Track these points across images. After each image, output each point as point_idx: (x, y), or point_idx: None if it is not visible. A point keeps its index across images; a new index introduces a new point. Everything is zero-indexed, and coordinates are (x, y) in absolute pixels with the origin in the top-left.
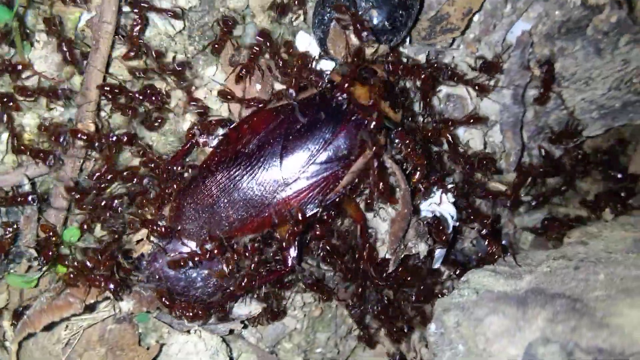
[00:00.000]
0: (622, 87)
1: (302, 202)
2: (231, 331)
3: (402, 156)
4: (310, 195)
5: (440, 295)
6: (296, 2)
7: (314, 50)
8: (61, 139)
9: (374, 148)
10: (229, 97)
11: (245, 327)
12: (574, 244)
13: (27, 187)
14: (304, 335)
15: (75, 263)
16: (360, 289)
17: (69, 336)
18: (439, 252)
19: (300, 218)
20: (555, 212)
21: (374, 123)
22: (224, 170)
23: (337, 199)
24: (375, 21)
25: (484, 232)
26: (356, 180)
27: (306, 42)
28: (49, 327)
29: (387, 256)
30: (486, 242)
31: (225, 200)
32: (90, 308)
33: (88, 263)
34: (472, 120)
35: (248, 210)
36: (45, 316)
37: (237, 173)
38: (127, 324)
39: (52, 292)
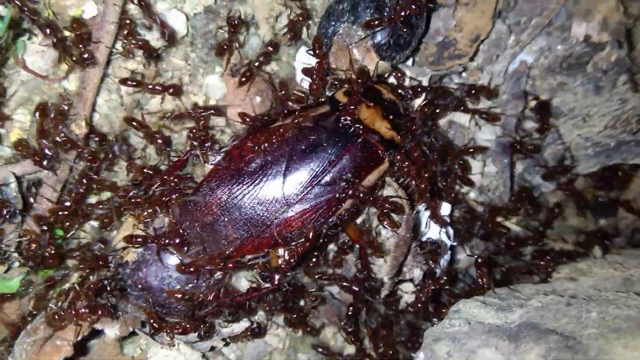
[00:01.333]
0: (618, 126)
1: (303, 224)
2: (212, 348)
3: (404, 178)
4: (312, 217)
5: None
6: (302, 19)
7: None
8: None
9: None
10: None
11: (226, 344)
12: (563, 279)
13: (12, 185)
14: (285, 355)
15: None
16: (353, 308)
17: None
18: None
19: (310, 237)
20: (546, 246)
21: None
22: (226, 188)
23: (337, 222)
24: (378, 37)
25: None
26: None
27: (308, 57)
28: None
29: (385, 280)
30: (478, 273)
31: (226, 219)
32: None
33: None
34: (472, 150)
35: (249, 230)
36: None
37: (239, 192)
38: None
39: (35, 336)
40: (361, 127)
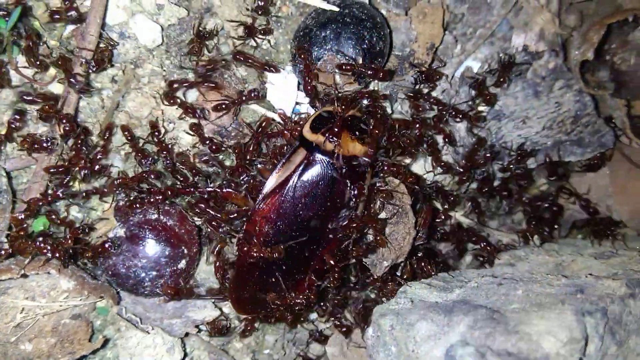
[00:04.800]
0: (555, 127)
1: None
2: (187, 334)
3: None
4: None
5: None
6: (262, 31)
7: (291, 84)
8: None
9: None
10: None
11: (199, 331)
12: (503, 265)
13: (3, 180)
14: (254, 337)
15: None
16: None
17: (23, 320)
18: None
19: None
20: (490, 237)
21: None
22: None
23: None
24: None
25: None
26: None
27: (281, 78)
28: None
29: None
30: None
31: (273, 280)
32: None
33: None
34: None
35: (295, 275)
36: None
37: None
38: (82, 321)
39: None
40: (342, 165)
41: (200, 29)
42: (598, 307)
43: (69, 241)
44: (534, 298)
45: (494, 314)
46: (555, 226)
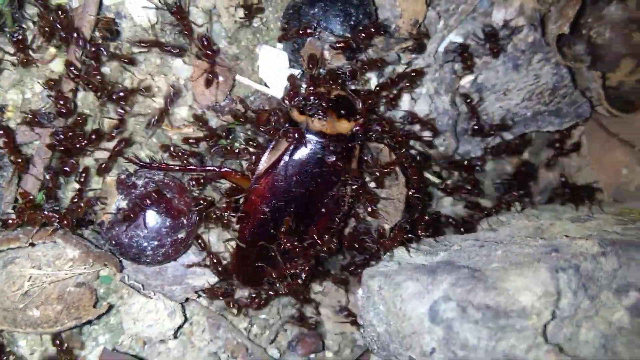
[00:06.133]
0: (534, 99)
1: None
2: (187, 299)
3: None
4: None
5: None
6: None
7: (282, 61)
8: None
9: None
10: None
11: (199, 296)
12: (485, 230)
13: None
14: None
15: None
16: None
17: (30, 288)
18: None
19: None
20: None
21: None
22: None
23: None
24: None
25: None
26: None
27: (273, 55)
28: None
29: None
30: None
31: (272, 254)
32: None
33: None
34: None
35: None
36: None
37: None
38: (86, 288)
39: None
40: (328, 143)
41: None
42: (571, 264)
43: (79, 210)
44: (512, 258)
45: (475, 273)
46: (524, 190)
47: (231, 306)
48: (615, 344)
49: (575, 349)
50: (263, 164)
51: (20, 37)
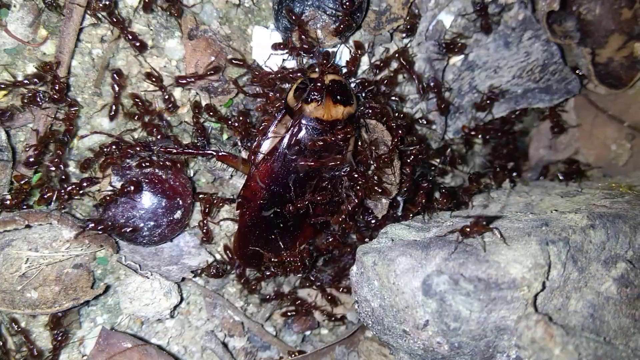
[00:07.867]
0: (524, 76)
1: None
2: (183, 278)
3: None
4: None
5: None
6: None
7: (275, 41)
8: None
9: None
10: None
11: (195, 276)
12: (477, 206)
13: (2, 136)
14: None
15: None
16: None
17: (28, 269)
18: None
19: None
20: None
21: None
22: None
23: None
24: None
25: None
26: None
27: (265, 35)
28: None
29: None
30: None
31: (272, 237)
32: (53, 248)
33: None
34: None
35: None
36: None
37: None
38: (84, 270)
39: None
40: (327, 129)
41: None
42: (561, 237)
43: (76, 189)
44: (503, 232)
45: (466, 247)
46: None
47: (242, 282)
48: (603, 313)
49: (565, 318)
50: (263, 147)
51: None
